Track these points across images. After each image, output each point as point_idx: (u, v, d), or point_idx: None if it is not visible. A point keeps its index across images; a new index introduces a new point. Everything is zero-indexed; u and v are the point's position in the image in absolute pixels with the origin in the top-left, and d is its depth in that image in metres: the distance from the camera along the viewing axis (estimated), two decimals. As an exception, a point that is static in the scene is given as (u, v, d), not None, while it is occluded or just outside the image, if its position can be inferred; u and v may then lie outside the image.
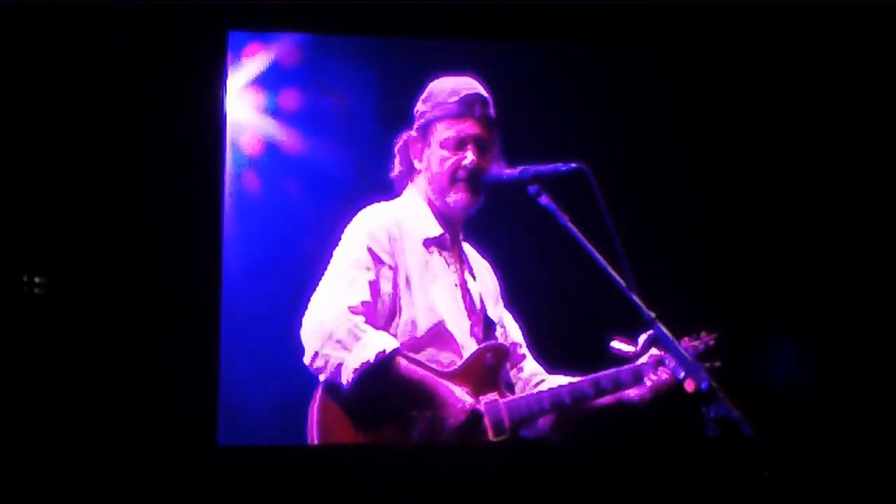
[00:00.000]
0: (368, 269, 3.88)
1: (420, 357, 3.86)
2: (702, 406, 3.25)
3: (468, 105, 4.04)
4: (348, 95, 5.18)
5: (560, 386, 3.97)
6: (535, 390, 4.06)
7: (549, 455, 3.72)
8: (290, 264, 5.01)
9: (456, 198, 4.05)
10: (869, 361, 4.71)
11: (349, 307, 3.77)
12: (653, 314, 3.44)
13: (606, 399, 4.01)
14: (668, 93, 5.12)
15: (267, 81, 5.19)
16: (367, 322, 3.78)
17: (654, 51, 4.96)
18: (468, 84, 4.09)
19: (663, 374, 3.93)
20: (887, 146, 4.72)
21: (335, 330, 3.73)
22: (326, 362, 3.73)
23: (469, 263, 4.21)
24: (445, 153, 4.04)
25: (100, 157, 4.07)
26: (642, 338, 3.94)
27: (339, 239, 3.98)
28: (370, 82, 5.17)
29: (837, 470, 3.52)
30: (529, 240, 4.78)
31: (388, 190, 4.19)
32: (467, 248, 4.23)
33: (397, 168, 4.17)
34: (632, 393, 3.99)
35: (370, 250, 3.90)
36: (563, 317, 4.99)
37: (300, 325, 3.84)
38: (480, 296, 4.16)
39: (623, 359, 3.93)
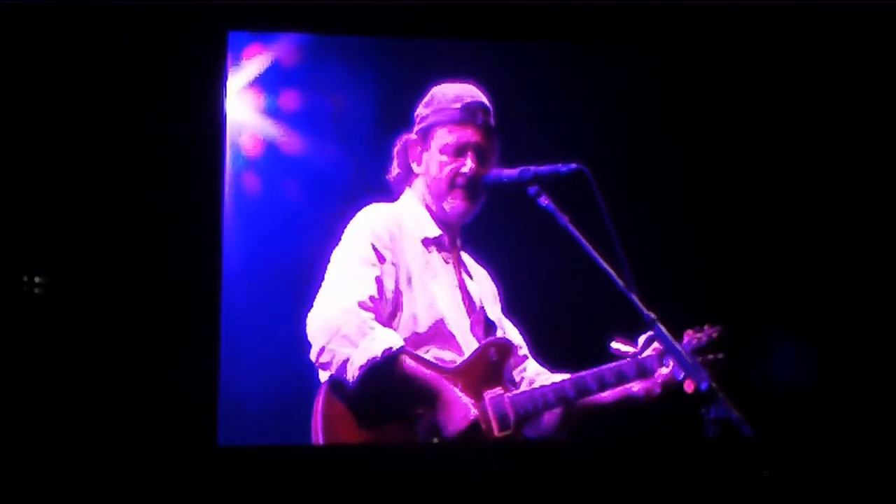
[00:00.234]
0: (373, 265, 3.88)
1: (422, 354, 3.87)
2: (701, 407, 3.25)
3: (471, 112, 4.04)
4: (348, 96, 5.19)
5: (563, 380, 3.97)
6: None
7: (550, 455, 3.71)
8: (289, 264, 5.03)
9: (453, 204, 4.06)
10: (869, 361, 4.71)
11: (359, 302, 3.77)
12: (653, 315, 3.45)
13: (612, 394, 4.00)
14: (668, 93, 5.13)
15: (267, 82, 5.20)
16: (375, 318, 3.79)
17: (654, 51, 4.96)
18: (471, 91, 4.09)
19: (670, 371, 3.92)
20: (887, 146, 4.72)
21: (343, 325, 3.73)
22: (333, 357, 3.73)
23: (467, 267, 4.22)
24: (445, 158, 4.05)
25: (100, 157, 4.06)
26: (642, 338, 3.97)
27: (339, 239, 3.99)
28: (370, 83, 5.18)
29: (837, 470, 3.52)
30: (529, 241, 4.79)
31: (385, 191, 4.19)
32: (465, 256, 4.25)
33: (395, 170, 4.18)
34: (636, 388, 3.99)
35: (373, 247, 3.91)
36: (563, 317, 5.00)
37: (300, 324, 3.84)
38: (479, 297, 4.17)
39: (623, 359, 3.94)
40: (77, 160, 4.06)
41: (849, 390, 4.70)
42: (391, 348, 3.71)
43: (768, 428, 3.28)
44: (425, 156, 4.10)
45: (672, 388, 3.90)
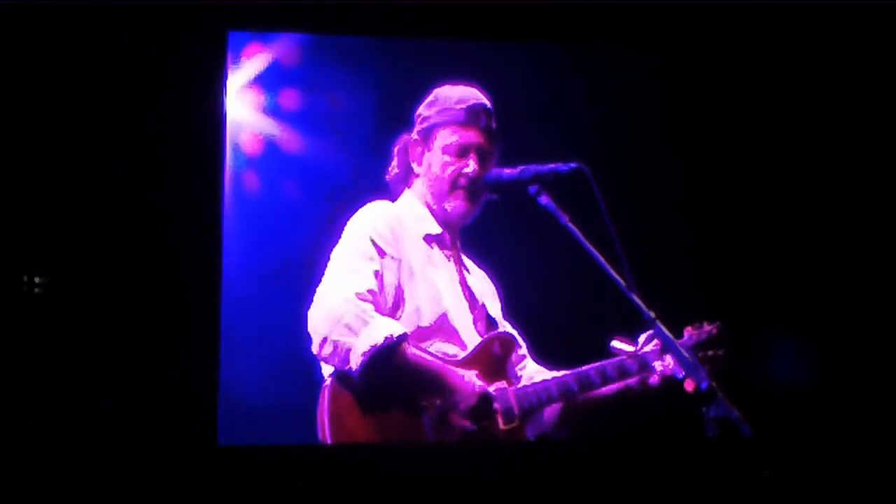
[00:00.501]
0: (372, 259, 3.89)
1: (426, 348, 3.88)
2: (701, 406, 3.25)
3: (474, 114, 4.06)
4: (348, 95, 5.19)
5: (565, 374, 3.98)
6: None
7: (549, 454, 3.71)
8: (289, 263, 5.03)
9: (455, 204, 4.07)
10: (869, 361, 4.72)
11: (357, 294, 3.77)
12: (653, 314, 3.44)
13: (610, 388, 4.01)
14: (668, 93, 5.12)
15: (267, 81, 5.19)
16: (374, 310, 3.79)
17: (654, 51, 4.96)
18: (475, 94, 4.11)
19: (670, 365, 3.92)
20: (887, 146, 4.72)
21: (343, 315, 3.73)
22: (335, 348, 3.72)
23: (466, 266, 4.23)
24: (448, 158, 4.06)
25: (100, 157, 4.06)
26: (642, 338, 3.98)
27: (339, 237, 3.99)
28: (370, 82, 5.18)
29: (837, 470, 3.52)
30: (529, 240, 4.79)
31: (384, 191, 4.19)
32: (464, 258, 4.25)
33: (394, 170, 4.19)
34: (634, 379, 4.00)
35: (373, 241, 3.91)
36: (563, 317, 5.00)
37: (300, 323, 3.84)
38: (481, 294, 4.18)
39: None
40: (77, 160, 4.06)
41: (849, 390, 4.70)
42: (392, 335, 3.71)
43: (768, 427, 3.28)
44: (427, 156, 4.11)
45: (671, 384, 3.91)
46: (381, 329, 3.71)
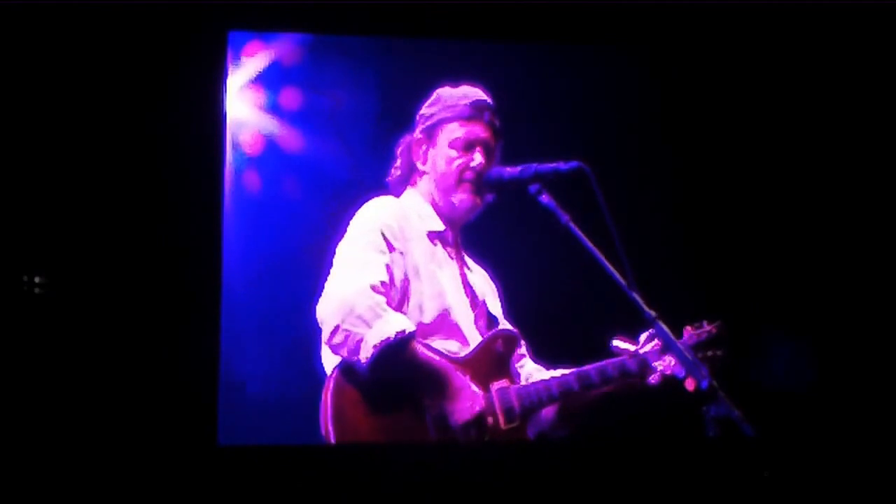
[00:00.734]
0: (383, 252, 3.90)
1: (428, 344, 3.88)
2: (702, 405, 3.25)
3: (479, 109, 4.09)
4: (348, 94, 5.18)
5: (566, 374, 3.99)
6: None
7: (549, 454, 3.72)
8: (290, 262, 5.02)
9: (462, 197, 4.08)
10: (869, 361, 4.71)
11: (371, 285, 3.78)
12: (653, 313, 3.44)
13: (612, 387, 4.00)
14: (667, 92, 5.12)
15: (267, 80, 5.19)
16: (386, 303, 3.80)
17: (653, 51, 4.95)
18: (478, 92, 4.14)
19: (669, 364, 3.92)
20: (886, 146, 4.72)
21: (356, 306, 3.73)
22: (346, 338, 3.72)
23: (468, 265, 4.24)
24: (454, 153, 4.07)
25: (100, 157, 4.07)
26: (643, 336, 3.97)
27: (341, 235, 3.99)
28: (371, 81, 5.18)
29: (837, 470, 3.52)
30: (530, 239, 4.79)
31: (383, 190, 4.18)
32: (465, 256, 4.26)
33: (397, 170, 4.19)
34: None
35: (383, 235, 3.92)
36: (563, 316, 4.99)
37: (300, 322, 3.86)
38: (482, 292, 4.19)
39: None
40: (77, 159, 4.06)
41: (849, 390, 4.70)
42: (404, 331, 3.72)
43: (768, 428, 3.27)
44: (431, 152, 4.12)
45: (671, 382, 3.90)
46: (393, 323, 3.72)
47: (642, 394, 4.00)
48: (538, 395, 3.92)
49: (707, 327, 4.02)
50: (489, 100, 4.12)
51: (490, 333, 4.04)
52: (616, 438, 4.05)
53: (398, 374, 3.75)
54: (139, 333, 3.98)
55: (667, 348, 3.76)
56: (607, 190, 3.59)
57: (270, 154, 5.22)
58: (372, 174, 4.41)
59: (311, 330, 3.86)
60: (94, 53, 4.07)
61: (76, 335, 3.96)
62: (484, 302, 4.16)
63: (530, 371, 4.16)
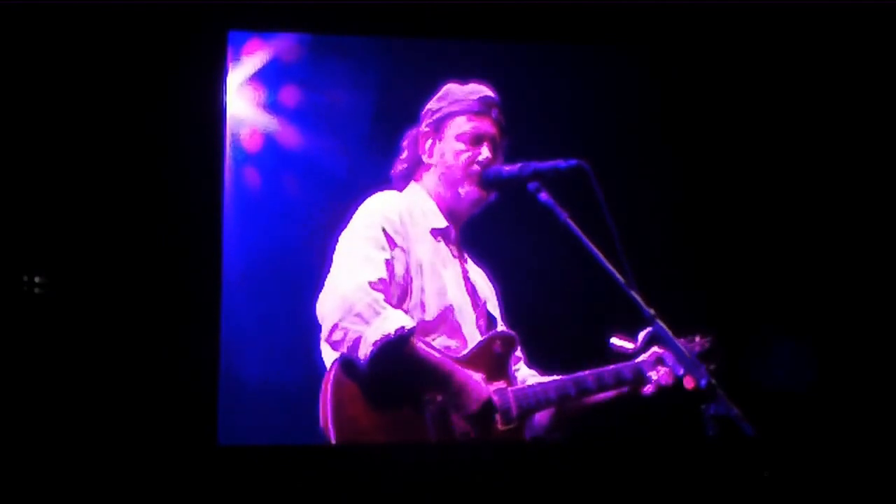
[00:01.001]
0: (384, 248, 3.90)
1: (429, 341, 3.89)
2: (701, 404, 3.26)
3: (487, 105, 4.11)
4: (347, 92, 5.18)
5: (563, 378, 3.99)
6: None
7: (549, 455, 3.72)
8: (290, 259, 5.02)
9: (468, 189, 4.08)
10: (869, 361, 4.71)
11: (370, 282, 3.78)
12: (652, 311, 3.45)
13: (606, 395, 4.02)
14: (667, 92, 5.11)
15: (267, 77, 5.18)
16: (385, 300, 3.80)
17: (653, 51, 4.95)
18: (486, 88, 4.16)
19: (664, 374, 3.94)
20: (886, 146, 4.72)
21: (356, 303, 3.73)
22: (345, 335, 3.72)
23: (469, 263, 4.24)
24: (462, 146, 4.08)
25: (100, 157, 4.07)
26: (642, 335, 3.96)
27: (341, 230, 3.98)
28: (370, 79, 5.17)
29: (837, 470, 3.53)
30: (529, 237, 4.78)
31: (381, 188, 4.18)
32: (466, 256, 4.26)
33: (402, 164, 4.19)
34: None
35: (385, 231, 3.92)
36: (562, 314, 4.99)
37: (300, 321, 3.85)
38: (483, 292, 4.19)
39: (622, 355, 3.95)
40: (77, 159, 4.07)
41: (849, 389, 4.70)
42: (404, 328, 3.72)
43: (768, 427, 3.28)
44: (438, 146, 4.13)
45: (666, 389, 3.92)
46: (393, 321, 3.72)
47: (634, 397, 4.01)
48: (535, 398, 3.93)
49: (700, 341, 4.03)
50: (496, 97, 4.14)
51: (489, 334, 4.04)
52: (615, 437, 4.05)
53: (398, 370, 3.75)
54: (139, 333, 3.98)
55: (665, 347, 3.76)
56: (607, 189, 3.59)
57: (270, 150, 5.21)
58: (370, 171, 4.41)
59: (311, 329, 3.87)
60: (95, 53, 4.07)
61: (76, 335, 3.96)
62: (485, 301, 4.16)
63: (525, 376, 4.17)
